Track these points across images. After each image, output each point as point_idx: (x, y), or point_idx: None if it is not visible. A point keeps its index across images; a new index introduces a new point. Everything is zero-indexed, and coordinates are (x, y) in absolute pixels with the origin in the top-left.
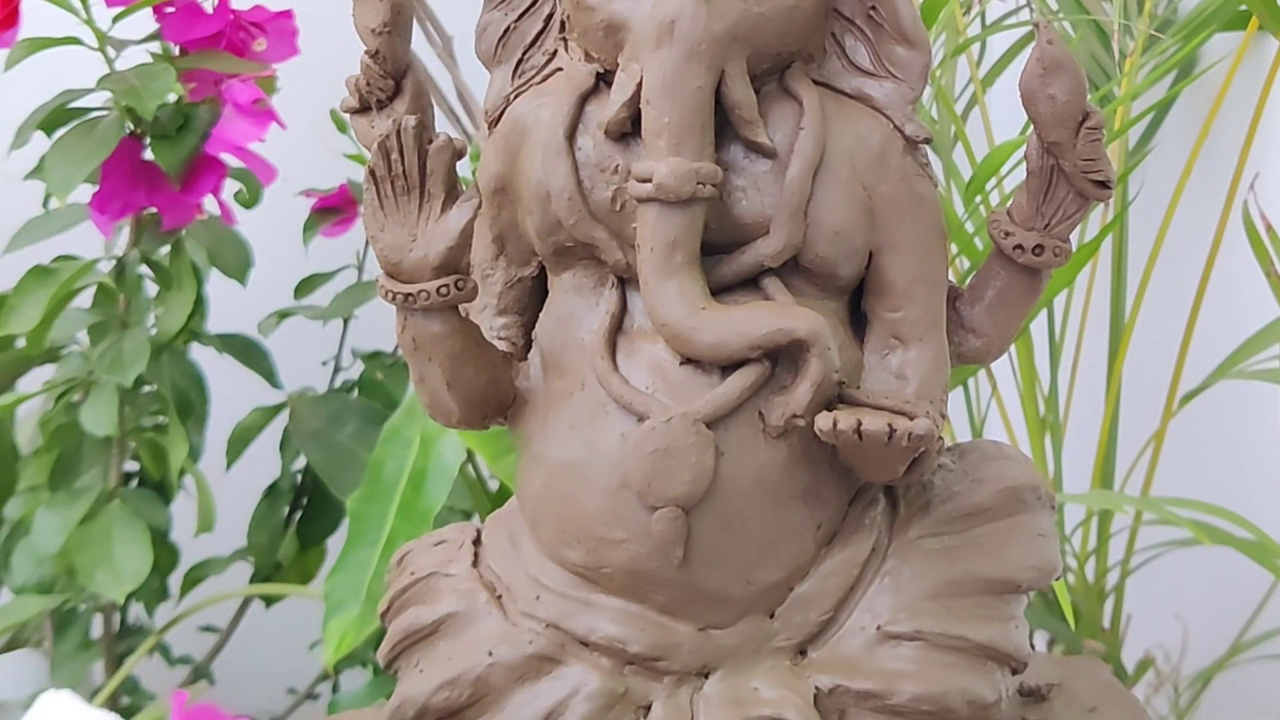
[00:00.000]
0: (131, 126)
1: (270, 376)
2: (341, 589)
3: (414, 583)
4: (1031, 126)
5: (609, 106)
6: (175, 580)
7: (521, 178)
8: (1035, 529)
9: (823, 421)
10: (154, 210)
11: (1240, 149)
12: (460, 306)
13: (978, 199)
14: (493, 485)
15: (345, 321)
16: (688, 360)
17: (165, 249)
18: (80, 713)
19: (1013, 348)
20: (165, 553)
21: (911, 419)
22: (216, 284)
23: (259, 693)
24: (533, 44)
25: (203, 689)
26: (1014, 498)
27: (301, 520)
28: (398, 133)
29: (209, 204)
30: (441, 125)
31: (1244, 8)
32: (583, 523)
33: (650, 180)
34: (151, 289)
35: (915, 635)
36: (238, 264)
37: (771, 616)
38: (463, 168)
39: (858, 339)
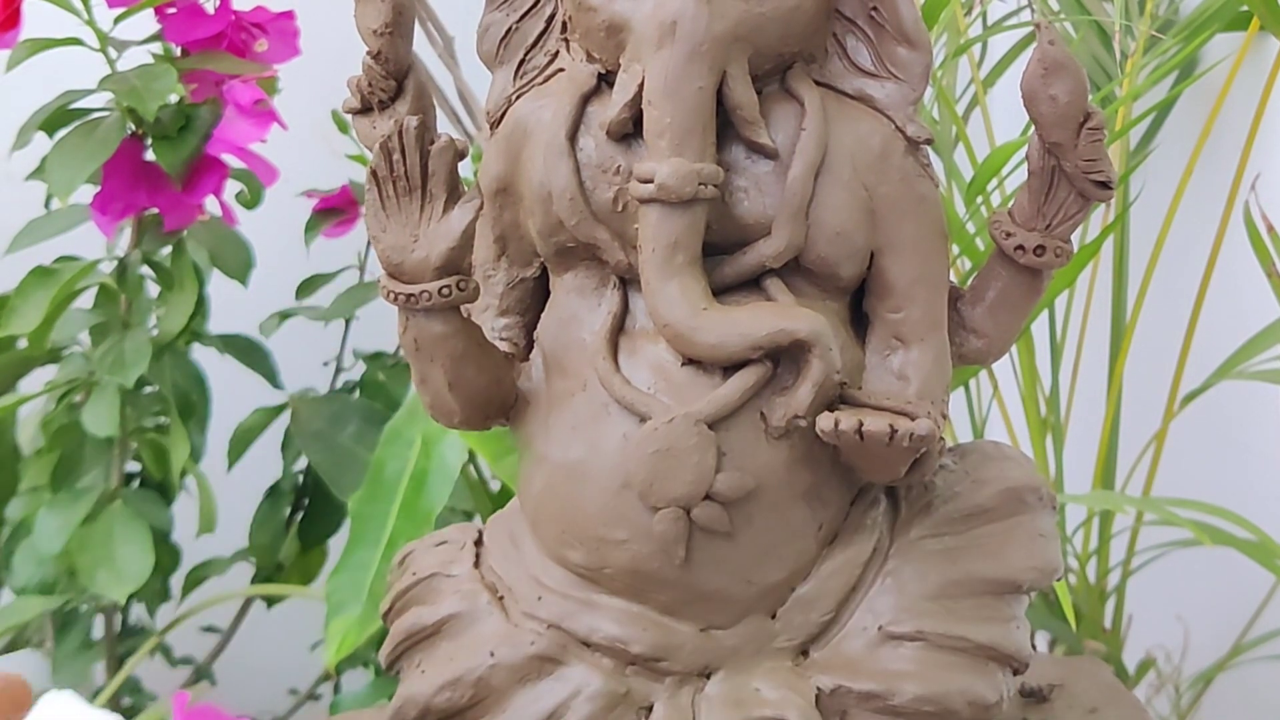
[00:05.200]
0: (133, 127)
1: (272, 377)
2: (343, 590)
3: (416, 583)
4: (1033, 127)
5: (611, 107)
6: (177, 581)
7: (523, 178)
8: (1036, 530)
9: (824, 422)
10: (155, 211)
11: (1241, 149)
12: (462, 307)
13: (979, 199)
14: (494, 486)
15: (347, 322)
16: (689, 361)
17: (167, 250)
18: (82, 713)
19: (1014, 348)
20: (167, 553)
21: (913, 419)
22: (218, 285)
23: (260, 693)
24: (534, 44)
25: (204, 690)
26: (1015, 498)
27: (303, 521)
28: (400, 133)
29: (210, 205)
30: (443, 126)
31: (1245, 8)
32: (584, 523)
33: (652, 181)
34: (153, 290)
35: (917, 636)
36: (239, 265)
37: (773, 617)
38: (464, 168)
39: (859, 339)
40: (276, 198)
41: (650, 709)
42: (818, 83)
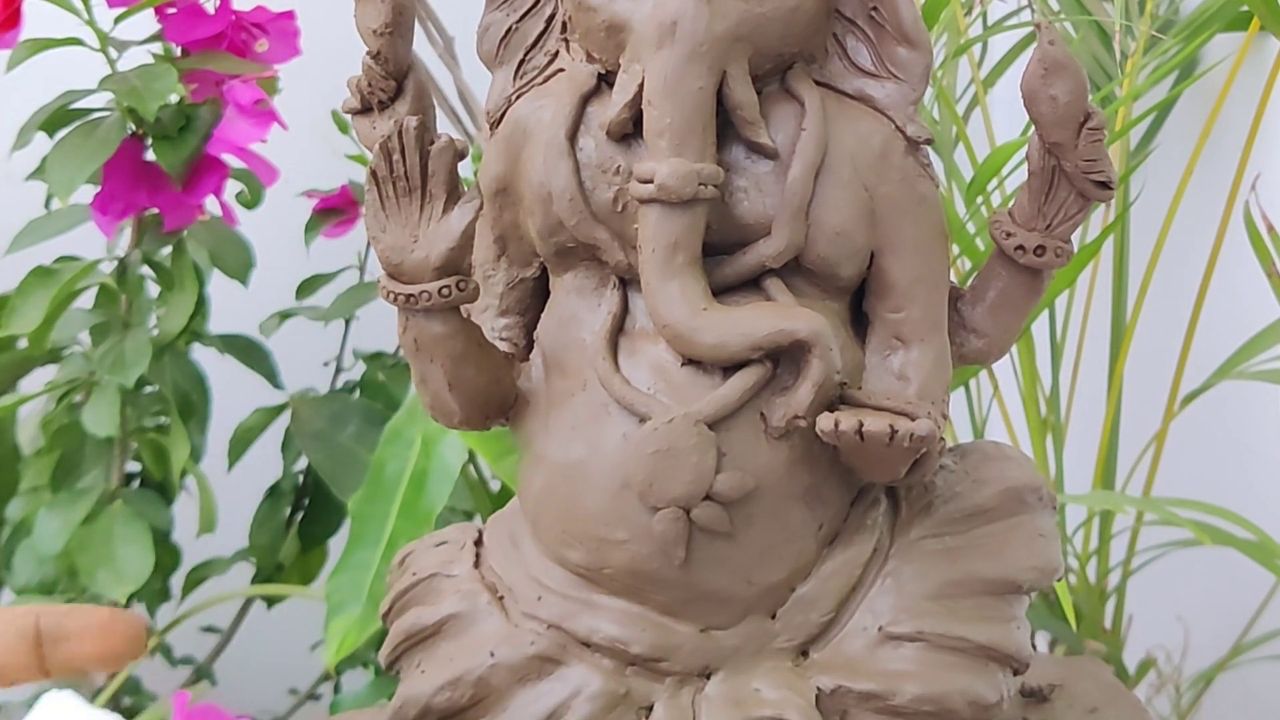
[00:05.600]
0: (133, 127)
1: (272, 377)
2: (343, 590)
3: (415, 583)
4: (1033, 127)
5: (610, 107)
6: (177, 581)
7: (523, 178)
8: (1037, 530)
9: (824, 422)
10: (156, 211)
11: (1241, 150)
12: (462, 307)
13: (979, 199)
14: (494, 486)
15: (347, 322)
16: (689, 361)
17: (167, 250)
18: (82, 713)
19: (1014, 348)
20: (167, 553)
21: (913, 420)
22: (218, 285)
23: (261, 693)
24: (534, 45)
25: (204, 689)
26: (1015, 498)
27: (303, 521)
28: (399, 134)
29: (211, 205)
30: (443, 126)
31: (1245, 8)
32: (584, 523)
33: (652, 181)
34: (153, 290)
35: (917, 636)
36: (239, 265)
37: (773, 617)
38: (464, 169)
39: (859, 340)
40: (276, 198)
41: (650, 709)
42: (818, 83)
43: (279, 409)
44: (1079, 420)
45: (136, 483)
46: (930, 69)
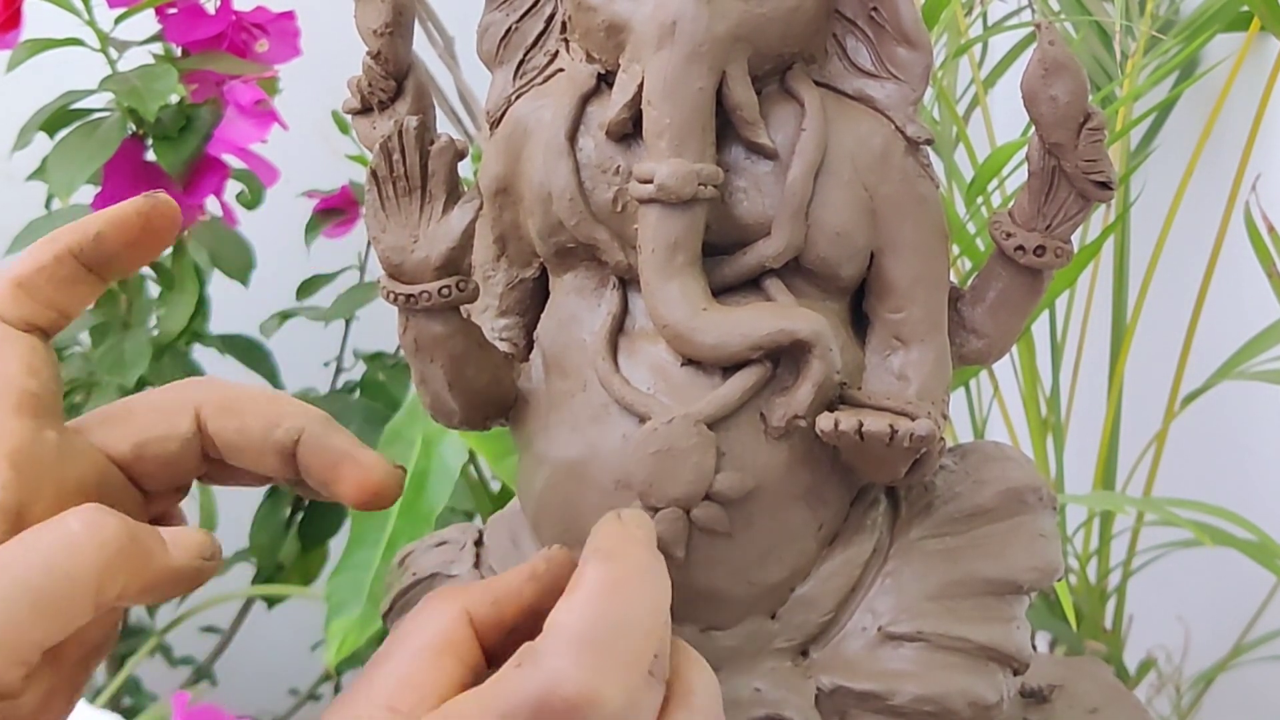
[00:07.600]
0: (134, 127)
1: (272, 377)
2: (343, 590)
3: (416, 583)
4: (1033, 127)
5: (610, 107)
6: None
7: (523, 179)
8: (1037, 530)
9: (824, 422)
10: None
11: (1242, 150)
12: (462, 308)
13: (979, 200)
14: (494, 486)
15: (347, 322)
16: (689, 361)
17: (167, 250)
18: (82, 713)
19: (1014, 348)
20: None
21: (913, 420)
22: (218, 285)
23: (261, 693)
24: (534, 45)
25: (205, 690)
26: (1016, 499)
27: (303, 521)
28: (399, 134)
29: (211, 205)
30: (443, 126)
31: (1246, 8)
32: (584, 523)
33: (651, 181)
34: (154, 290)
35: (916, 636)
36: (240, 265)
37: (773, 617)
38: (464, 168)
39: (859, 340)
40: (277, 198)
41: None
42: (818, 83)
43: None
44: (1079, 420)
45: None
46: (930, 69)
